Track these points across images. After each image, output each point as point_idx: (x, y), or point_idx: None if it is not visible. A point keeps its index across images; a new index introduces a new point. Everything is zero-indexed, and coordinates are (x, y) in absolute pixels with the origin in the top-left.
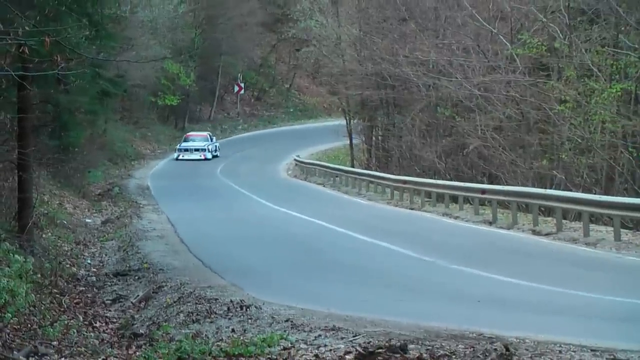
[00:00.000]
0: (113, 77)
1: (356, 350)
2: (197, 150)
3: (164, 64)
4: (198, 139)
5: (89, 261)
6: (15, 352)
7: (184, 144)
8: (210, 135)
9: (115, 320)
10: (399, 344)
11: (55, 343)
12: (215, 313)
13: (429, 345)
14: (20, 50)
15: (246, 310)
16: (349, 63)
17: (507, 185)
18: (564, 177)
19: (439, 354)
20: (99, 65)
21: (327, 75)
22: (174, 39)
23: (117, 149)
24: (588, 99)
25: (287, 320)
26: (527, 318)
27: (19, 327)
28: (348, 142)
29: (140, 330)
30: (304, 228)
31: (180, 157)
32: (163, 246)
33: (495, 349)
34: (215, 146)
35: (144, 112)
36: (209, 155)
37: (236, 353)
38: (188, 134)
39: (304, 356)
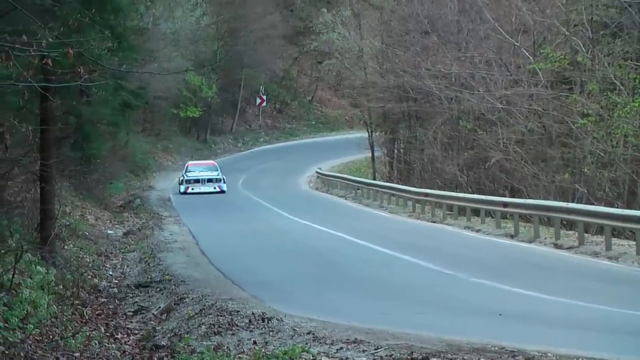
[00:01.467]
0: (135, 88)
1: None
2: (210, 180)
3: (186, 76)
4: (205, 168)
5: (110, 272)
6: None
7: (190, 174)
8: (216, 164)
9: (136, 331)
10: (420, 357)
11: (77, 354)
12: (237, 325)
13: (451, 359)
14: (44, 62)
15: (268, 322)
16: (371, 75)
17: (529, 198)
18: (586, 191)
19: None
20: (121, 77)
21: (349, 87)
22: (196, 51)
23: (139, 161)
24: (610, 113)
25: (308, 333)
26: (549, 332)
27: (40, 338)
28: (370, 154)
29: (162, 342)
30: (325, 241)
31: (190, 190)
32: (184, 258)
33: None
34: (223, 177)
35: (165, 124)
36: (225, 187)
37: None
38: (190, 162)
39: None
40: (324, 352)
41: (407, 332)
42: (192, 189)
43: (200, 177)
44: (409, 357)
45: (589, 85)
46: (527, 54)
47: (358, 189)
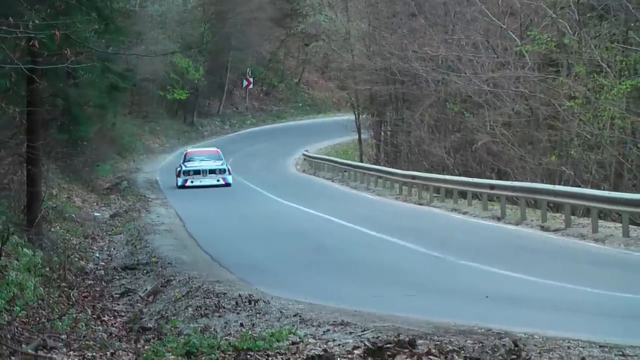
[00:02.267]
0: (122, 71)
1: (365, 345)
2: (212, 172)
3: (173, 59)
4: (207, 156)
5: (97, 255)
6: (24, 346)
7: (190, 164)
8: (220, 153)
9: (123, 314)
10: (407, 339)
11: (63, 336)
12: (224, 307)
13: (438, 341)
14: (30, 44)
15: (254, 304)
16: (358, 58)
17: (516, 181)
18: (572, 173)
19: (448, 349)
20: (108, 59)
21: (336, 70)
22: (183, 33)
23: (126, 143)
24: (597, 95)
25: (295, 315)
26: (536, 314)
27: (27, 320)
28: (357, 137)
29: (149, 324)
30: (312, 223)
31: (189, 184)
32: (172, 240)
33: (504, 345)
34: (228, 167)
35: (152, 107)
36: (230, 179)
37: (245, 347)
38: (189, 150)
39: (312, 350)
40: (311, 334)
41: (395, 314)
42: (192, 181)
43: (201, 168)
44: (395, 339)
45: (576, 68)
46: (514, 36)
47: (345, 172)
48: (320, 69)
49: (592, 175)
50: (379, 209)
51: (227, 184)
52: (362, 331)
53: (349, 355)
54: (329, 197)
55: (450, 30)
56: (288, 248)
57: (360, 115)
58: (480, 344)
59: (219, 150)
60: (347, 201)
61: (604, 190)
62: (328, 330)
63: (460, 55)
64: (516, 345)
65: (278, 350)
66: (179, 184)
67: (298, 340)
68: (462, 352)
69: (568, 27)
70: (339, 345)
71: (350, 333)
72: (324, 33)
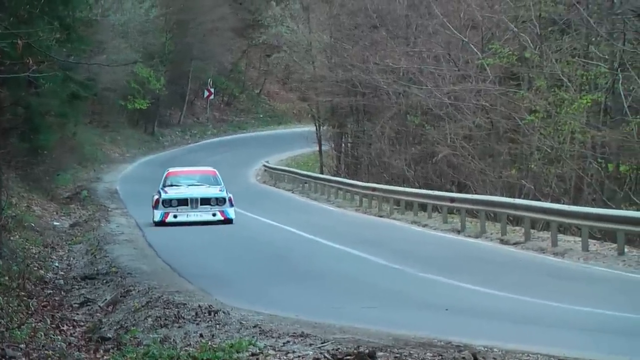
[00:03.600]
0: (84, 80)
1: (324, 357)
2: (206, 201)
3: (134, 68)
4: (198, 178)
5: (56, 264)
6: None
7: (172, 191)
8: (217, 174)
9: (82, 323)
10: (367, 351)
11: (22, 346)
12: (184, 318)
13: (398, 353)
14: None
15: (214, 315)
16: (320, 69)
17: (476, 194)
18: (532, 187)
19: None
20: (70, 68)
21: (298, 81)
22: (144, 43)
23: (87, 153)
24: (558, 109)
25: (255, 326)
26: (495, 327)
27: None
28: (317, 148)
29: (108, 334)
30: (272, 234)
31: (171, 219)
32: (131, 250)
33: (464, 357)
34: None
35: (113, 116)
36: (232, 213)
37: (204, 358)
38: (171, 171)
39: None
40: (271, 346)
41: (355, 326)
42: (175, 216)
43: (189, 196)
44: (355, 351)
45: (537, 82)
46: (475, 49)
47: (305, 183)
48: (281, 80)
49: (552, 189)
50: (339, 220)
51: (228, 220)
52: (322, 343)
53: None
54: (290, 208)
55: (412, 43)
56: (248, 259)
57: (321, 127)
58: (440, 357)
59: (215, 170)
60: (308, 212)
61: (563, 204)
62: (288, 341)
63: (421, 68)
64: (475, 358)
65: None
66: (157, 219)
67: (258, 351)
68: None
69: (529, 41)
70: (299, 357)
71: (310, 345)
72: (286, 44)
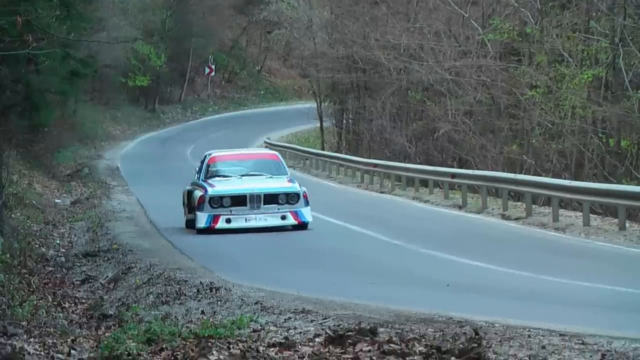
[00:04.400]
0: (84, 57)
1: (326, 333)
2: (272, 198)
3: (134, 45)
4: (252, 164)
5: (58, 241)
6: None
7: (222, 184)
8: (281, 159)
9: (84, 301)
10: (368, 327)
11: (24, 323)
12: (185, 295)
13: (399, 329)
14: None
15: (216, 292)
16: (320, 46)
17: (477, 169)
18: (533, 162)
19: (409, 337)
20: (70, 46)
21: (298, 58)
22: (144, 20)
23: (87, 130)
24: (559, 85)
25: (256, 303)
26: (497, 302)
27: None
28: (319, 125)
29: (110, 311)
30: None
31: (225, 225)
32: (133, 227)
33: (465, 333)
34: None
35: (114, 93)
36: (307, 215)
37: (206, 335)
38: (215, 154)
39: (273, 338)
40: (272, 322)
41: (356, 302)
42: (229, 220)
43: (247, 192)
44: (357, 327)
45: (538, 57)
46: (476, 25)
47: (307, 159)
48: (282, 56)
49: (553, 165)
50: (340, 197)
51: (302, 225)
52: (323, 319)
53: (310, 343)
54: None
55: (413, 19)
56: (249, 236)
57: (322, 103)
58: (441, 332)
59: (277, 154)
60: (309, 189)
61: (564, 179)
62: (289, 318)
63: (422, 44)
64: (477, 334)
65: (239, 338)
66: (201, 224)
67: (259, 327)
68: (423, 340)
69: (530, 16)
70: (300, 333)
71: (312, 321)
72: (286, 21)
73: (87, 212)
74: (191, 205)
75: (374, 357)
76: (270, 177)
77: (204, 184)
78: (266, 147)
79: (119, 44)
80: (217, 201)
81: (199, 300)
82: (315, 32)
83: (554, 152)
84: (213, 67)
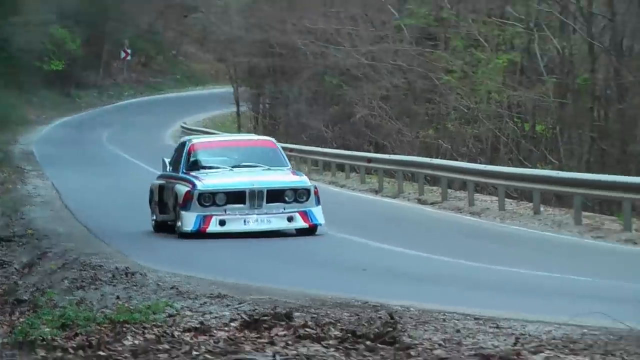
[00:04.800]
0: None
1: (241, 317)
2: (277, 195)
3: (49, 29)
4: (245, 153)
5: None
6: None
7: (212, 177)
8: (279, 147)
9: None
10: (284, 311)
11: None
12: (100, 280)
13: (315, 313)
14: None
15: (131, 277)
16: (237, 30)
17: (394, 154)
18: (449, 147)
19: (324, 321)
20: None
21: (215, 42)
22: (60, 3)
23: (1, 115)
24: (475, 69)
25: (172, 288)
26: (412, 287)
27: None
28: (235, 109)
29: (24, 297)
30: None
31: (217, 229)
32: (48, 212)
33: (380, 317)
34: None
35: (28, 78)
36: (319, 215)
37: (121, 320)
38: (197, 141)
39: (189, 323)
40: (188, 307)
41: (272, 286)
42: (223, 222)
43: (246, 187)
44: (272, 312)
45: (454, 42)
46: (392, 10)
47: None
48: (199, 41)
49: (469, 149)
50: None
51: (313, 228)
52: (239, 304)
53: (226, 328)
54: None
55: (329, 3)
56: None
57: (239, 88)
58: (357, 317)
59: (273, 141)
60: None
61: (480, 163)
62: (205, 302)
63: (339, 29)
64: (392, 318)
65: (155, 323)
66: (188, 227)
67: (175, 312)
68: (338, 324)
69: (446, 1)
70: (216, 317)
71: (227, 305)
72: (203, 5)
73: (1, 197)
74: (165, 203)
75: (289, 342)
76: (269, 169)
77: (188, 177)
78: (183, 131)
79: (35, 27)
80: (209, 198)
81: (114, 285)
82: (232, 16)
83: (470, 137)
84: (129, 51)
